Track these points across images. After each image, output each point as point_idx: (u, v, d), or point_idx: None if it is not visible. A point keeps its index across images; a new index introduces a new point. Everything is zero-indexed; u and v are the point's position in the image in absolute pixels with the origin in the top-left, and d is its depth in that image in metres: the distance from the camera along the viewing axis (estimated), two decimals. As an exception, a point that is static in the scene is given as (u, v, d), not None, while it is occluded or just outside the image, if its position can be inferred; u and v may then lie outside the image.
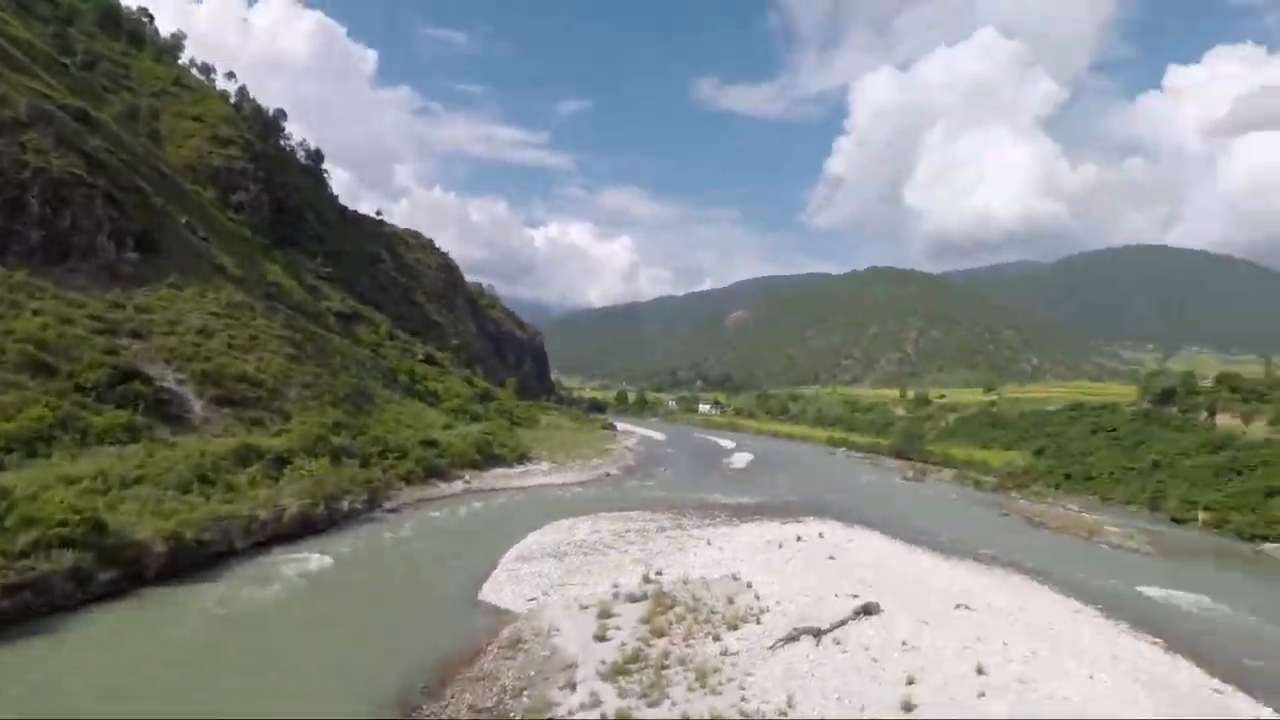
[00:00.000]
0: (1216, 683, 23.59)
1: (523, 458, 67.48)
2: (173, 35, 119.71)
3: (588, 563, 33.62)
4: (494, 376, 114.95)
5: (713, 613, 24.99)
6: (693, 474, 75.50)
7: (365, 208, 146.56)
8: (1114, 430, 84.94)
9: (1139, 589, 37.41)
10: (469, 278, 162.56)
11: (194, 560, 27.82)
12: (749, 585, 28.61)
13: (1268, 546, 52.68)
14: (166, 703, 17.74)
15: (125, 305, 46.33)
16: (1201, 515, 59.74)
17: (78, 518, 23.70)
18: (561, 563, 33.43)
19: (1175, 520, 60.83)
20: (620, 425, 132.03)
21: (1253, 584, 42.08)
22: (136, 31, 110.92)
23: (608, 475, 67.85)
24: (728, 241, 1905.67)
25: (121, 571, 24.39)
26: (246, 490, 34.63)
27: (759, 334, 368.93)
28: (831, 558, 35.08)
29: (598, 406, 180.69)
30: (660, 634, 22.80)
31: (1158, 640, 28.00)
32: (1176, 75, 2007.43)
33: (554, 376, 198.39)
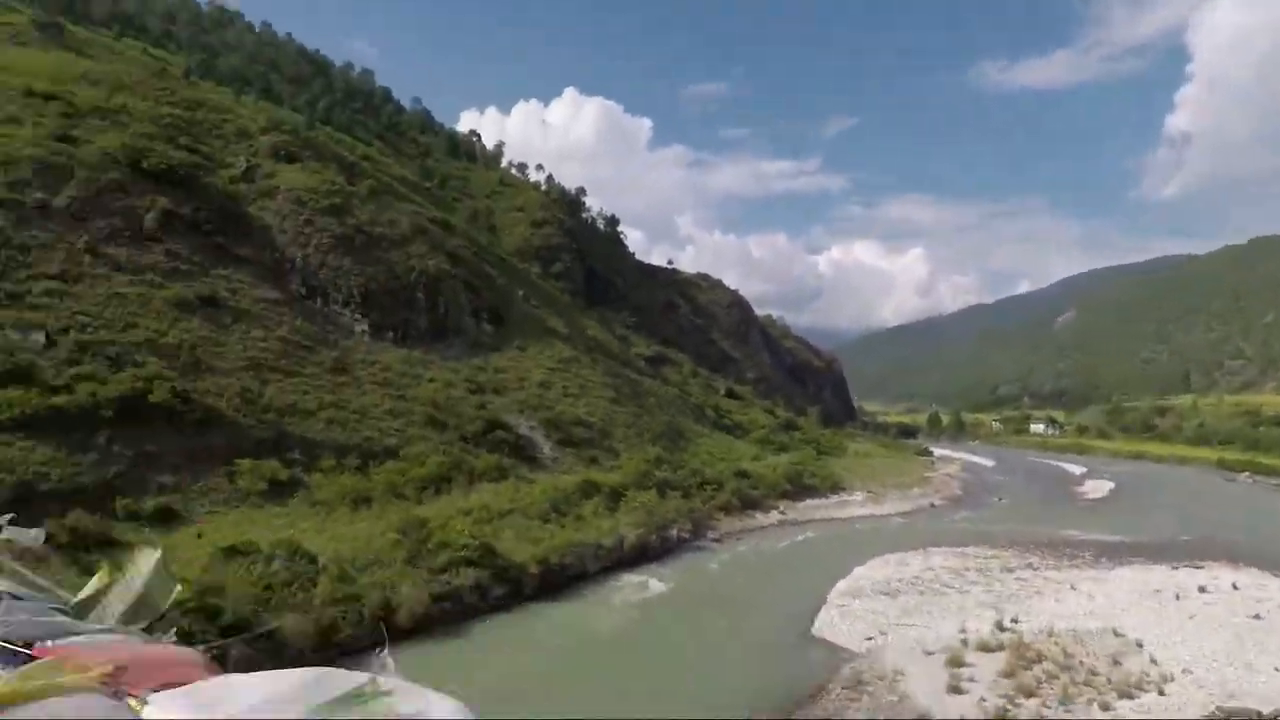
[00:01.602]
0: None
1: (835, 487, 65.58)
2: (495, 147, 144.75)
3: (925, 602, 31.39)
4: (794, 406, 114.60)
5: (1093, 674, 21.40)
6: (1036, 505, 66.05)
7: (657, 259, 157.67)
8: None
9: None
10: (757, 311, 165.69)
11: (558, 581, 31.83)
12: (1139, 644, 24.10)
13: None
14: (544, 701, 20.28)
15: (486, 369, 55.88)
16: None
17: (475, 543, 28.78)
18: (895, 601, 31.66)
19: None
20: (937, 451, 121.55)
21: None
22: (470, 150, 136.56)
23: (932, 506, 62.68)
24: (1038, 236, 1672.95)
25: (508, 588, 28.88)
26: (591, 520, 38.80)
27: (1097, 337, 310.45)
28: (1257, 616, 27.98)
29: (907, 431, 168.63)
30: (1028, 693, 20.11)
31: None
32: None
33: (854, 402, 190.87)
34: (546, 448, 48.93)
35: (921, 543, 44.29)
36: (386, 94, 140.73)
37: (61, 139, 50.31)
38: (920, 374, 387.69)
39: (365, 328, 53.25)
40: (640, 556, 38.07)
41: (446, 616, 25.93)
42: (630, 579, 34.52)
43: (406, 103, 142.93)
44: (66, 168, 47.98)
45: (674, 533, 42.40)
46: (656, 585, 33.61)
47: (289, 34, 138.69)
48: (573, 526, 37.06)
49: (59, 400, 31.03)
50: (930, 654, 23.68)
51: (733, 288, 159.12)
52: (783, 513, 53.81)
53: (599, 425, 55.00)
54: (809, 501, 58.65)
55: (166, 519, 28.80)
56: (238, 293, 47.94)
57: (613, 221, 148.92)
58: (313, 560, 24.97)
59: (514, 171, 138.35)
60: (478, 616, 26.96)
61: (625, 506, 42.41)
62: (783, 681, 22.50)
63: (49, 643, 2.00)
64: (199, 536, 26.80)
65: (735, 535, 46.44)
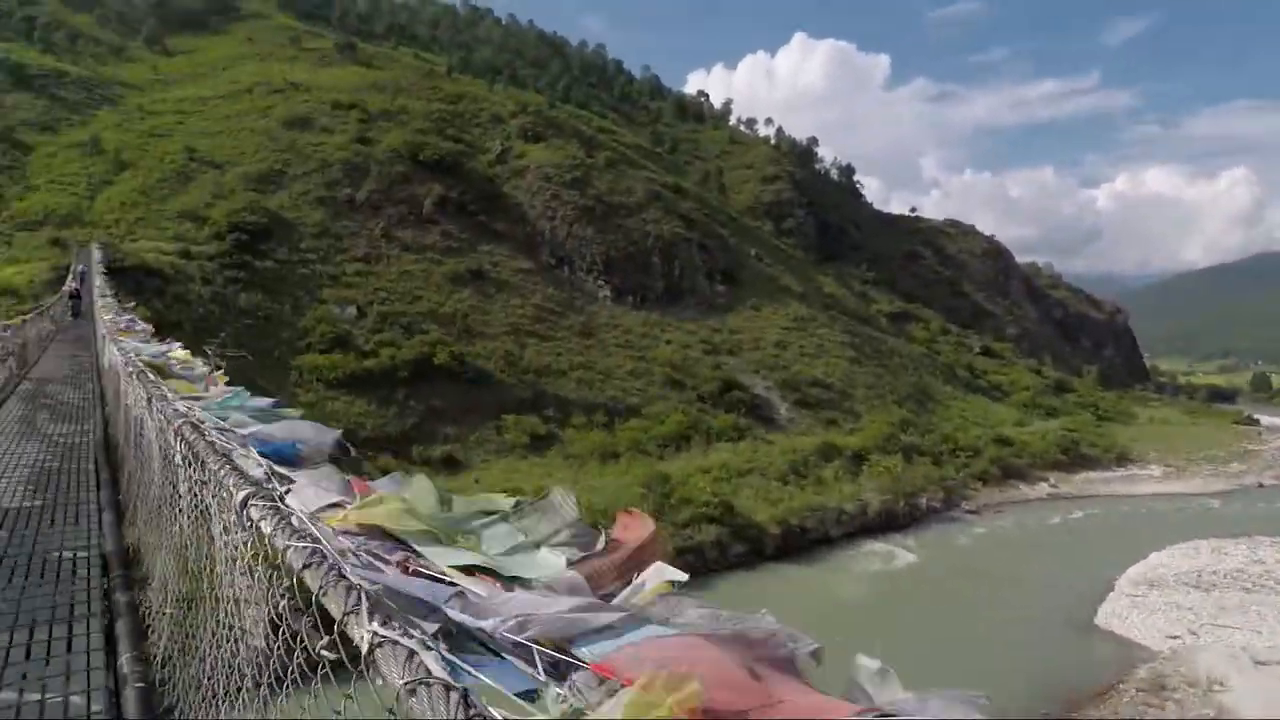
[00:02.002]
0: None
1: (1122, 459, 56.35)
2: (722, 105, 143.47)
3: (1252, 600, 25.91)
4: (1066, 365, 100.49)
5: None
6: None
7: (897, 207, 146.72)
8: None
9: None
10: (1019, 259, 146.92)
11: (798, 543, 31.20)
12: None
13: None
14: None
15: (721, 329, 56.17)
16: None
17: (715, 500, 29.16)
18: (1209, 596, 26.50)
19: None
20: (1265, 420, 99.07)
21: None
22: (698, 111, 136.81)
23: (1260, 486, 51.29)
24: None
25: (748, 547, 28.92)
26: (832, 484, 37.44)
27: None
28: None
29: (1222, 395, 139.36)
30: None
31: None
32: None
33: (1145, 361, 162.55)
34: (783, 409, 48.09)
35: (1245, 529, 36.47)
36: (618, 66, 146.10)
37: (360, 141, 59.28)
38: (1239, 325, 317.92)
39: (607, 293, 56.28)
40: (885, 524, 35.98)
41: (689, 570, 26.35)
42: (875, 547, 32.77)
43: (636, 71, 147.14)
44: (365, 166, 56.46)
45: (923, 501, 39.43)
46: (905, 555, 31.55)
47: (530, 21, 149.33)
48: (812, 489, 36.05)
49: (369, 363, 37.05)
50: (1263, 665, 19.35)
51: (987, 233, 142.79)
52: (1053, 485, 47.52)
53: (838, 386, 52.76)
54: (1087, 474, 51.11)
55: (451, 465, 33.13)
56: (499, 265, 53.22)
57: (847, 171, 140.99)
58: (569, 509, 27.14)
59: (742, 128, 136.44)
60: (719, 572, 27.34)
61: (868, 471, 40.31)
62: (1059, 674, 19.87)
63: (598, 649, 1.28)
64: (475, 482, 30.38)
65: (994, 508, 41.97)
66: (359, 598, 1.16)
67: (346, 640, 1.17)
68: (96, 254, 34.54)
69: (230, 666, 1.93)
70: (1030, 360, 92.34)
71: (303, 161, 55.40)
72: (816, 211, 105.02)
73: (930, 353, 76.55)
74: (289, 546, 1.36)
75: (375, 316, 42.53)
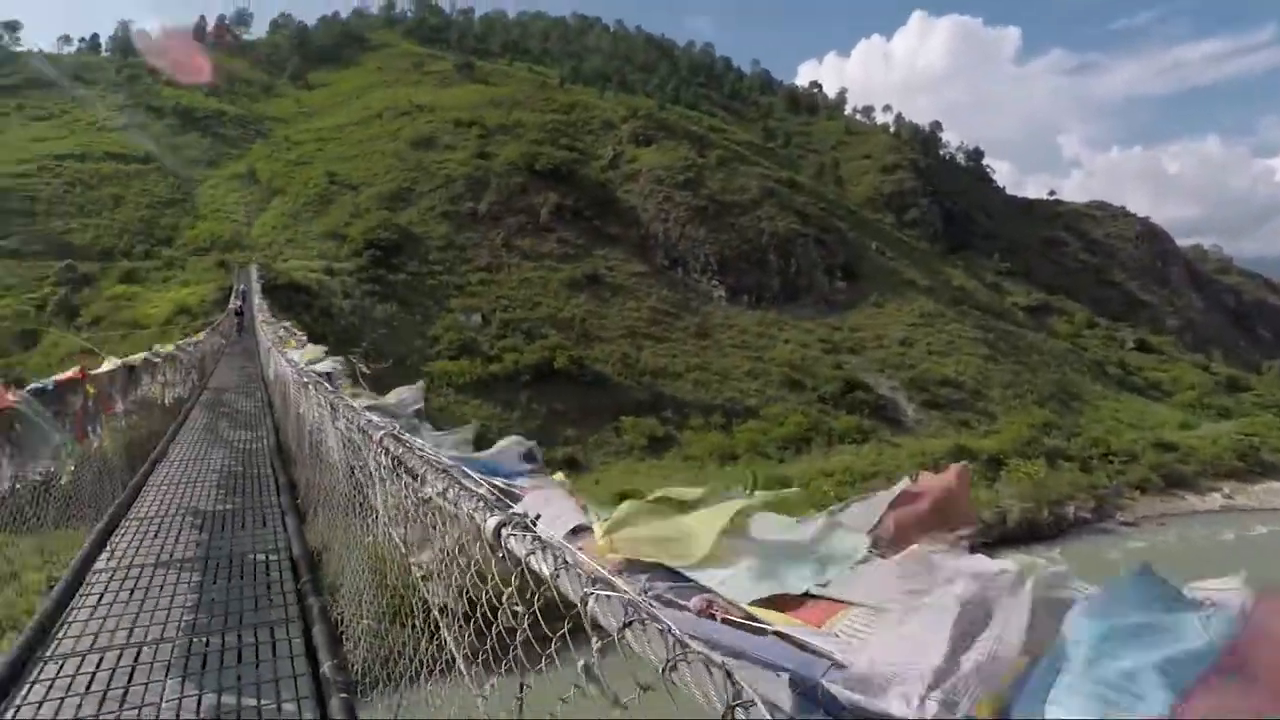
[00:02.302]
0: None
1: (1313, 464, 49.36)
2: (836, 95, 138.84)
3: None
4: (1241, 360, 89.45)
5: None
6: None
7: (1033, 191, 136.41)
8: None
9: None
10: (1179, 242, 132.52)
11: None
12: None
13: None
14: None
15: (841, 327, 54.17)
16: None
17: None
18: None
19: None
20: None
21: None
22: (811, 103, 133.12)
23: None
24: None
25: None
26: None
27: None
28: None
29: None
30: None
31: None
32: None
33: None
34: (910, 410, 45.64)
35: None
36: (726, 63, 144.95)
37: (480, 156, 61.94)
38: None
39: (722, 292, 55.71)
40: (1028, 535, 33.16)
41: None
42: (1016, 558, 30.23)
43: (746, 67, 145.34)
44: (485, 179, 58.93)
45: (1070, 511, 36.13)
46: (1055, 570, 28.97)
47: (638, 26, 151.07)
48: (945, 495, 33.89)
49: (494, 368, 38.51)
50: None
51: (1141, 215, 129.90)
52: (1228, 496, 42.22)
53: (970, 385, 49.48)
54: (1270, 484, 45.00)
55: (572, 467, 33.71)
56: (614, 269, 53.93)
57: (975, 155, 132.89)
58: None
59: (859, 117, 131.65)
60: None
61: (1006, 477, 37.49)
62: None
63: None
64: (596, 484, 30.76)
65: (1155, 519, 37.82)
66: (727, 682, 0.84)
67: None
68: (254, 274, 37.99)
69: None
70: (1196, 355, 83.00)
71: (429, 179, 58.60)
72: (942, 200, 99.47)
73: (1075, 348, 70.47)
74: (590, 596, 1.12)
75: (498, 323, 44.19)
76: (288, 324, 17.70)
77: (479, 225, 54.54)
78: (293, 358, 8.86)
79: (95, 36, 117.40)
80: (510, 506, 1.67)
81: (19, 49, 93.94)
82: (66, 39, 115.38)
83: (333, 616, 4.08)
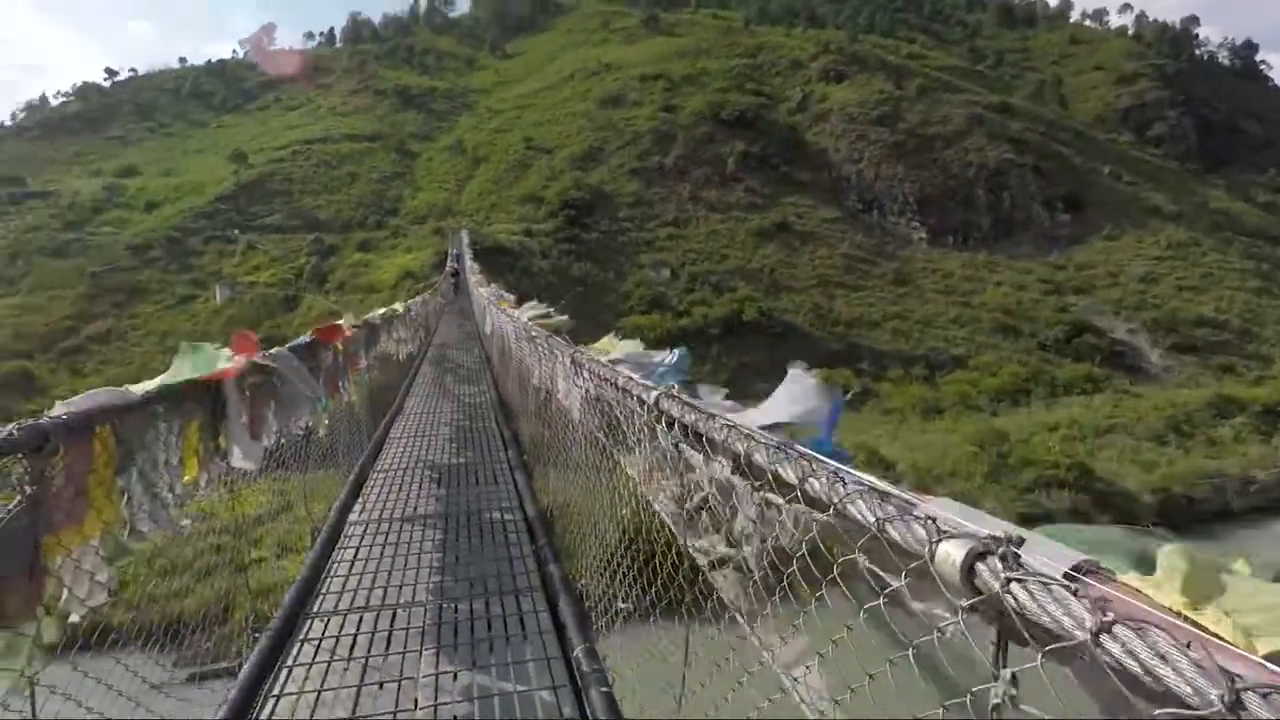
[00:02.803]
0: None
1: None
2: (1060, 1, 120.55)
3: None
4: None
5: None
6: None
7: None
8: None
9: None
10: None
11: (1183, 515, 25.67)
12: None
13: None
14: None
15: (1065, 265, 48.12)
16: None
17: (1067, 461, 25.25)
18: None
19: None
20: None
21: None
22: (1028, 14, 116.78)
23: None
24: None
25: (1113, 516, 24.56)
26: (1231, 446, 29.98)
27: None
28: None
29: None
30: None
31: None
32: None
33: None
34: (1154, 354, 39.72)
35: None
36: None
37: (666, 109, 62.00)
38: None
39: (923, 234, 51.70)
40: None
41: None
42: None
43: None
44: (671, 132, 59.05)
45: (1379, 475, 29.68)
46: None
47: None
48: (1203, 452, 29.26)
49: (683, 322, 39.01)
50: None
51: None
52: None
53: (1236, 325, 41.89)
54: None
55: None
56: (803, 216, 51.99)
57: (1243, 50, 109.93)
58: (890, 466, 25.65)
59: (1088, 23, 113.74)
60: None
61: (1288, 433, 31.53)
62: None
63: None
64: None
65: None
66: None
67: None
68: (465, 239, 41.49)
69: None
70: None
71: (618, 136, 59.84)
72: (1196, 109, 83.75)
73: (1388, 278, 56.96)
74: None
75: (687, 277, 44.56)
76: (494, 285, 19.16)
77: (666, 180, 54.94)
78: (514, 314, 8.96)
79: (331, 30, 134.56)
80: (984, 532, 1.08)
81: (274, 48, 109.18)
82: (310, 34, 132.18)
83: (576, 590, 4.01)
